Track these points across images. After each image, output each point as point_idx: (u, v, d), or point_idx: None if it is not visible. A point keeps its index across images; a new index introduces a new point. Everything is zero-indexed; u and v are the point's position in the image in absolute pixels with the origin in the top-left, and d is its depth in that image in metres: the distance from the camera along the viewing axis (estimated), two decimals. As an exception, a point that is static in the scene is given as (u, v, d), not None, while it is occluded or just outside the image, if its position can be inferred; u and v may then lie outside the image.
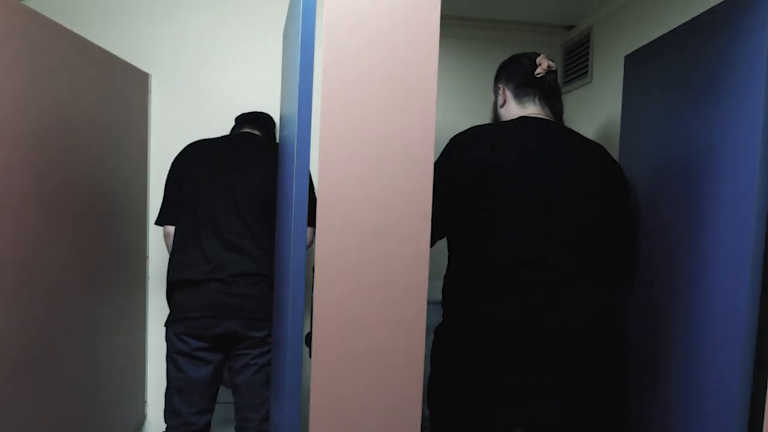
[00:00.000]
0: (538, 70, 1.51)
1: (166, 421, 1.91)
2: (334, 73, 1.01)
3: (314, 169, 1.06)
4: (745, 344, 1.16)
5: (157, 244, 2.37)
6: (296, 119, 1.05)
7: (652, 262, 1.52)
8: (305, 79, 1.05)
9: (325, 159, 1.01)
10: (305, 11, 1.05)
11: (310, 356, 1.14)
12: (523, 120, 1.49)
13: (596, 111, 2.11)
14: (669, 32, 1.49)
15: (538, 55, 1.55)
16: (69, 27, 1.74)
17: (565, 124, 1.56)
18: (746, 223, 1.16)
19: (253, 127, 2.12)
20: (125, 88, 2.18)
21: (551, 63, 1.52)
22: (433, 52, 1.03)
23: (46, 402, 1.64)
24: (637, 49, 1.65)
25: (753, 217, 1.14)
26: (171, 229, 1.97)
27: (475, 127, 1.50)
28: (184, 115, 2.39)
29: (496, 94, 1.62)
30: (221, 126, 2.18)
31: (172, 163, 1.99)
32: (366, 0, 1.01)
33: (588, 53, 2.19)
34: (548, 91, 1.52)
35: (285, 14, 2.29)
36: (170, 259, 1.93)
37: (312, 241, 1.77)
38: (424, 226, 1.03)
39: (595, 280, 1.41)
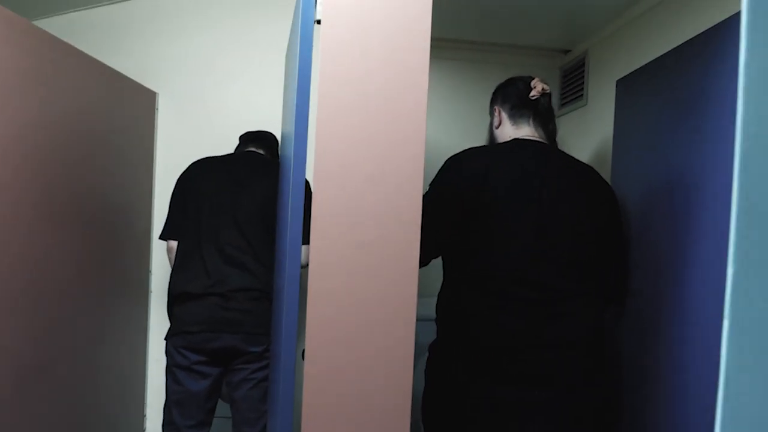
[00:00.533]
0: (533, 93, 1.56)
1: (163, 434, 1.93)
2: (328, 96, 1.06)
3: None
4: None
5: (160, 258, 2.42)
6: (293, 138, 1.09)
7: (642, 279, 1.55)
8: (302, 100, 1.10)
9: (319, 176, 1.05)
10: (302, 38, 1.11)
11: None
12: (517, 142, 1.53)
13: (591, 133, 2.15)
14: (656, 58, 1.53)
15: (533, 78, 1.60)
16: (78, 46, 1.80)
17: (560, 146, 1.60)
18: (727, 241, 1.19)
19: (258, 146, 2.17)
20: (133, 106, 2.24)
21: (545, 86, 1.57)
22: (424, 77, 1.08)
23: (49, 412, 1.67)
24: (628, 74, 1.70)
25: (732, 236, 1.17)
26: (174, 243, 2.01)
27: (471, 148, 1.54)
28: (189, 133, 2.45)
29: (492, 115, 1.66)
30: (226, 144, 2.24)
31: (178, 180, 2.04)
32: (359, 26, 1.07)
33: (583, 76, 2.24)
34: (543, 113, 1.57)
35: (276, 35, 2.37)
36: (172, 272, 1.98)
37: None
38: (413, 241, 1.06)
39: (587, 297, 1.44)
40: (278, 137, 2.28)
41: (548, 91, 1.58)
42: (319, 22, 1.11)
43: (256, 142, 2.19)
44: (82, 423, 1.91)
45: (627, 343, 1.62)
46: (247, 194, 1.96)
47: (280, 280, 1.31)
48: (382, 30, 1.06)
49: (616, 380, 1.65)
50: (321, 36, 1.07)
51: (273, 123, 2.33)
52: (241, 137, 2.23)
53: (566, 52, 2.44)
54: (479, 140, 1.80)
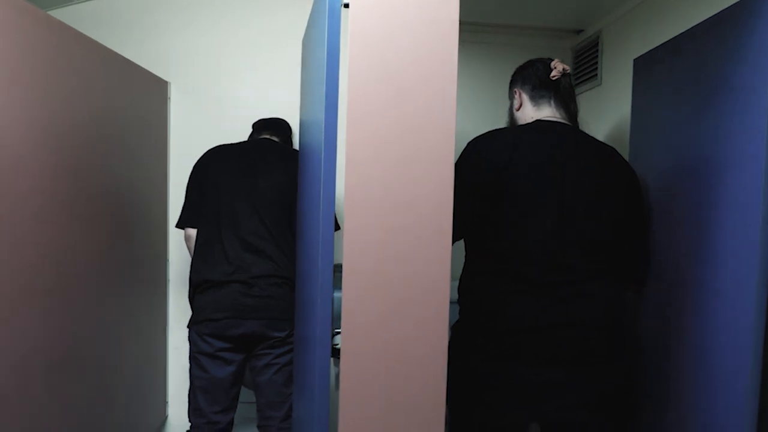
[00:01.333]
0: (554, 73, 1.56)
1: (190, 420, 1.96)
2: (359, 80, 1.06)
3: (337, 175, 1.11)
4: (752, 341, 1.20)
5: (177, 247, 2.43)
6: (323, 126, 1.10)
7: (661, 261, 1.56)
8: (331, 88, 1.10)
9: (351, 162, 1.06)
10: (330, 22, 1.10)
11: (332, 355, 1.19)
12: (539, 123, 1.53)
13: (605, 113, 2.15)
14: (678, 36, 1.53)
15: (552, 59, 1.60)
16: (91, 36, 1.80)
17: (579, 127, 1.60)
18: (753, 224, 1.20)
19: (271, 133, 2.17)
20: (146, 96, 2.24)
21: (566, 66, 1.57)
22: (453, 59, 1.08)
23: (75, 402, 1.70)
24: (647, 52, 1.69)
25: (759, 219, 1.18)
26: (192, 231, 2.02)
27: (492, 130, 1.54)
28: (202, 122, 2.45)
29: (511, 98, 1.66)
30: (239, 132, 2.24)
31: (193, 168, 2.05)
32: (388, 8, 1.06)
33: (597, 56, 2.23)
34: (563, 94, 1.57)
35: (303, 22, 2.35)
36: (192, 261, 1.99)
37: None
38: (445, 225, 1.07)
39: (608, 278, 1.45)
40: (292, 124, 2.29)
41: (569, 71, 1.57)
42: (347, 5, 1.11)
43: (270, 129, 2.19)
44: (106, 410, 1.94)
45: (648, 325, 1.63)
46: (265, 181, 1.96)
47: (310, 265, 1.32)
48: (411, 12, 1.06)
49: (637, 361, 1.66)
50: (350, 20, 1.07)
51: (287, 111, 2.33)
52: (255, 124, 2.23)
53: (578, 32, 2.42)
54: (494, 121, 1.80)
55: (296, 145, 2.33)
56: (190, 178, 2.05)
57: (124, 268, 2.06)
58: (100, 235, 1.86)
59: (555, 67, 1.56)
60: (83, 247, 1.74)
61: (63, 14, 2.35)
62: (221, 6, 2.43)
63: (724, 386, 1.28)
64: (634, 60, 1.76)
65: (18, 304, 1.41)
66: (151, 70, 2.28)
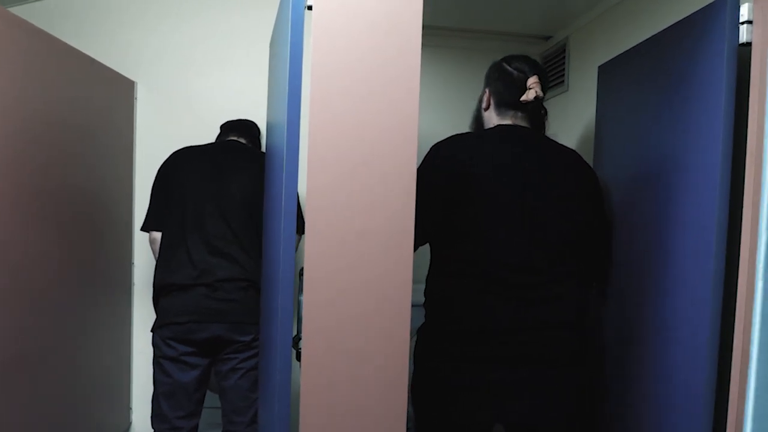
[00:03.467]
0: (524, 97, 1.52)
1: (153, 426, 1.92)
2: (321, 83, 1.06)
3: (301, 177, 1.10)
4: (709, 339, 1.23)
5: (143, 250, 2.38)
6: (285, 127, 1.09)
7: (623, 262, 1.59)
8: (294, 88, 1.09)
9: (313, 164, 1.05)
10: (293, 24, 1.10)
11: (297, 359, 1.18)
12: (501, 128, 1.55)
13: (572, 118, 2.18)
14: (640, 43, 1.56)
15: (531, 74, 1.53)
16: (56, 34, 1.76)
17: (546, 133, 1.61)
18: (709, 227, 1.23)
19: (239, 134, 2.15)
20: (111, 96, 2.20)
21: (539, 92, 1.53)
22: (416, 62, 1.08)
23: (35, 405, 1.65)
24: (610, 59, 1.73)
25: (714, 222, 1.21)
26: (157, 235, 1.99)
27: (455, 135, 1.55)
28: (169, 123, 2.41)
29: (481, 95, 1.65)
30: (207, 134, 2.21)
31: (159, 170, 2.01)
32: (351, 11, 1.06)
33: (564, 63, 2.27)
34: (531, 110, 1.55)
35: (271, 23, 2.33)
36: (157, 263, 1.95)
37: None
38: (407, 228, 1.07)
39: (573, 280, 1.47)
40: (261, 126, 2.27)
41: (541, 97, 1.55)
42: (310, 8, 1.10)
43: (237, 130, 2.17)
44: (67, 416, 1.89)
45: (610, 326, 1.66)
46: (231, 183, 1.94)
47: (272, 269, 1.31)
48: (374, 15, 1.06)
49: (599, 361, 1.69)
50: (313, 22, 1.06)
51: (255, 112, 2.31)
52: (222, 126, 2.21)
53: (547, 38, 2.46)
54: (459, 126, 1.81)
55: (264, 147, 2.31)
56: (155, 180, 2.01)
57: (88, 271, 2.01)
58: (61, 237, 1.81)
59: (530, 87, 1.52)
60: (43, 248, 1.70)
61: (25, 11, 2.29)
62: (190, 5, 2.39)
63: (682, 383, 1.31)
64: (599, 67, 1.79)
65: None
66: (117, 69, 2.24)
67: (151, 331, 1.93)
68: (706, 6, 1.28)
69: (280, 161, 1.17)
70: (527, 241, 1.43)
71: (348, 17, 1.06)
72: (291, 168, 1.09)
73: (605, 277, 1.67)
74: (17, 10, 2.28)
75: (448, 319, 1.46)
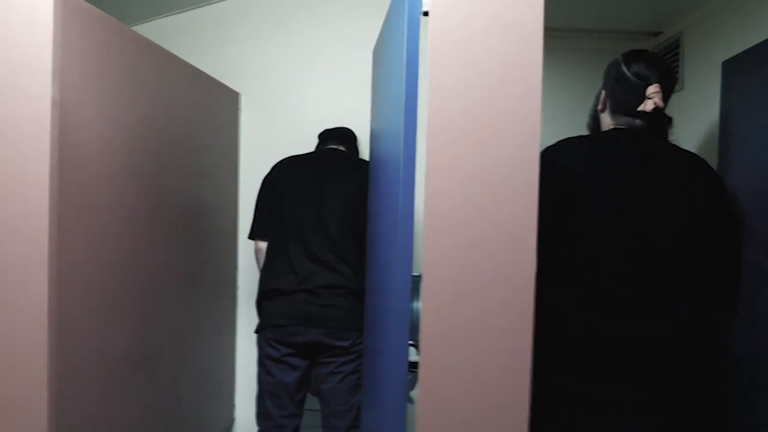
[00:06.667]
0: (642, 107, 1.42)
1: (258, 424, 1.99)
2: (440, 88, 1.04)
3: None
4: None
5: (247, 254, 2.48)
6: (402, 135, 1.08)
7: (754, 282, 1.45)
8: (410, 95, 1.09)
9: (431, 170, 1.04)
10: (410, 31, 1.09)
11: (411, 367, 1.16)
12: (618, 133, 1.46)
13: (689, 119, 2.03)
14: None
15: (652, 80, 1.42)
16: (170, 49, 1.86)
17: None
18: None
19: (338, 142, 2.19)
20: (218, 107, 2.31)
21: (659, 103, 1.41)
22: (537, 67, 1.04)
23: (150, 401, 1.75)
24: (737, 54, 1.59)
25: None
26: (263, 244, 2.06)
27: (566, 139, 1.48)
28: (271, 131, 2.50)
29: (598, 95, 1.56)
30: (309, 142, 2.26)
31: (263, 181, 2.09)
32: (471, 16, 1.04)
33: (678, 59, 2.12)
34: (650, 120, 1.44)
35: (372, 30, 2.36)
36: (262, 270, 2.03)
37: None
38: (529, 233, 1.03)
39: (691, 295, 1.37)
40: (360, 134, 2.29)
41: (662, 107, 1.43)
42: (426, 13, 1.09)
43: (336, 138, 2.21)
44: (178, 411, 1.99)
45: (739, 346, 1.52)
46: (332, 191, 1.97)
47: (384, 277, 1.31)
48: (494, 19, 1.03)
49: (724, 380, 1.55)
50: (430, 28, 1.05)
51: (356, 120, 2.34)
52: (321, 135, 2.25)
53: (656, 34, 2.32)
54: (568, 128, 1.73)
55: (363, 154, 2.34)
56: (260, 190, 2.09)
57: (197, 274, 2.12)
58: (175, 242, 1.92)
59: (650, 97, 1.41)
60: (159, 253, 1.81)
61: (143, 29, 2.47)
62: (291, 17, 2.48)
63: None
64: (723, 63, 1.65)
65: (98, 303, 1.47)
66: (223, 81, 2.35)
67: (255, 332, 2.00)
68: None
69: (394, 169, 1.17)
70: (639, 255, 1.34)
71: (467, 22, 1.04)
72: (408, 176, 1.08)
73: (733, 294, 1.53)
74: (138, 28, 2.47)
75: (553, 332, 1.39)
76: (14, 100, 1.24)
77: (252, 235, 2.09)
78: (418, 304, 1.05)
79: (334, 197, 1.97)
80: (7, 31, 1.24)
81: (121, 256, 1.56)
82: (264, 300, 1.99)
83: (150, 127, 1.72)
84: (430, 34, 1.05)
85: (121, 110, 1.54)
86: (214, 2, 2.51)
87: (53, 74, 1.24)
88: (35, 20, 1.23)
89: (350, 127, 2.29)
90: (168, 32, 2.51)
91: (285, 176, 2.05)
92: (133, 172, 1.61)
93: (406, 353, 1.10)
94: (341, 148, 2.17)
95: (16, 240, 1.24)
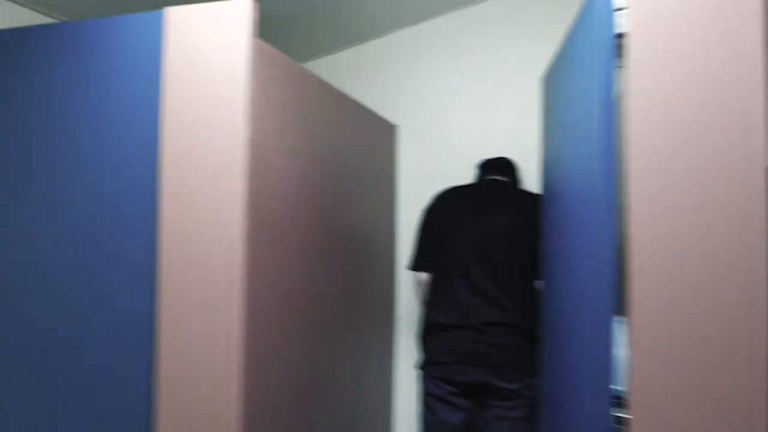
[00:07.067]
0: None
1: (422, 463, 1.94)
2: (642, 114, 0.95)
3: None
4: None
5: (406, 285, 2.50)
6: (598, 166, 1.00)
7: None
8: (607, 122, 1.01)
9: (637, 201, 0.94)
10: (605, 54, 1.02)
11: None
12: None
13: None
14: None
15: None
16: (333, 82, 1.95)
17: None
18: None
19: (499, 173, 2.12)
20: (377, 139, 2.37)
21: None
22: (759, 88, 0.91)
23: (314, 427, 1.79)
24: None
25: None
26: (423, 276, 2.05)
27: None
28: (429, 164, 2.51)
29: None
30: (465, 172, 2.23)
31: (426, 211, 2.08)
32: (676, 37, 0.94)
33: None
34: None
35: (535, 57, 2.30)
36: (425, 303, 2.01)
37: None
38: (758, 246, 0.89)
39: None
40: (519, 163, 2.21)
41: None
42: (619, 36, 1.02)
43: (498, 169, 2.14)
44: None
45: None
46: (495, 224, 1.90)
47: (572, 317, 1.22)
48: (702, 40, 0.92)
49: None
50: (630, 50, 0.97)
51: (517, 150, 2.27)
52: (481, 165, 2.20)
53: None
54: None
55: (524, 184, 2.25)
56: (421, 222, 2.09)
57: (361, 304, 2.16)
58: (338, 273, 1.97)
59: None
60: (329, 284, 1.86)
61: (314, 65, 2.65)
62: (449, 48, 2.48)
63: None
64: None
65: (276, 325, 1.53)
66: (381, 113, 2.41)
67: (419, 368, 1.97)
68: None
69: (586, 200, 1.09)
70: None
71: (671, 43, 0.95)
72: (606, 205, 0.99)
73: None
74: (308, 65, 2.66)
75: None
76: (209, 137, 1.35)
77: (414, 266, 2.09)
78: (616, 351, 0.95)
79: (498, 229, 1.90)
80: (208, 75, 1.36)
81: (298, 286, 1.63)
82: (427, 335, 1.96)
83: (319, 160, 1.79)
84: (630, 57, 0.97)
85: (297, 144, 1.63)
86: (370, 40, 2.63)
87: (247, 114, 1.33)
88: (233, 65, 1.34)
89: (510, 157, 2.22)
90: (331, 69, 2.67)
91: (447, 207, 2.03)
92: (307, 204, 1.68)
93: (609, 410, 0.99)
94: (503, 178, 2.11)
95: (216, 267, 1.34)
